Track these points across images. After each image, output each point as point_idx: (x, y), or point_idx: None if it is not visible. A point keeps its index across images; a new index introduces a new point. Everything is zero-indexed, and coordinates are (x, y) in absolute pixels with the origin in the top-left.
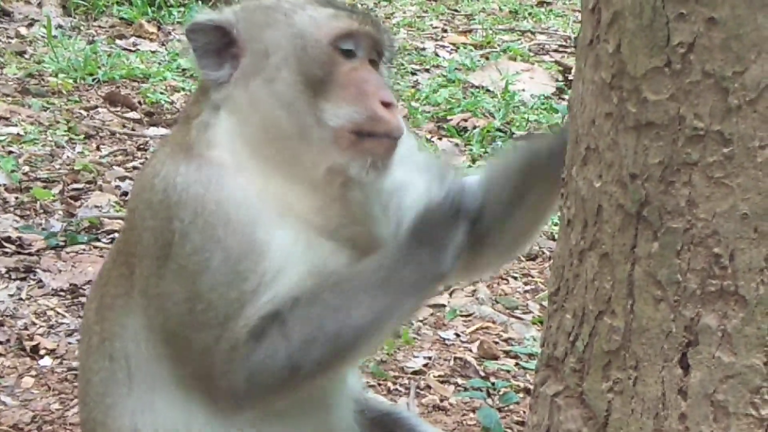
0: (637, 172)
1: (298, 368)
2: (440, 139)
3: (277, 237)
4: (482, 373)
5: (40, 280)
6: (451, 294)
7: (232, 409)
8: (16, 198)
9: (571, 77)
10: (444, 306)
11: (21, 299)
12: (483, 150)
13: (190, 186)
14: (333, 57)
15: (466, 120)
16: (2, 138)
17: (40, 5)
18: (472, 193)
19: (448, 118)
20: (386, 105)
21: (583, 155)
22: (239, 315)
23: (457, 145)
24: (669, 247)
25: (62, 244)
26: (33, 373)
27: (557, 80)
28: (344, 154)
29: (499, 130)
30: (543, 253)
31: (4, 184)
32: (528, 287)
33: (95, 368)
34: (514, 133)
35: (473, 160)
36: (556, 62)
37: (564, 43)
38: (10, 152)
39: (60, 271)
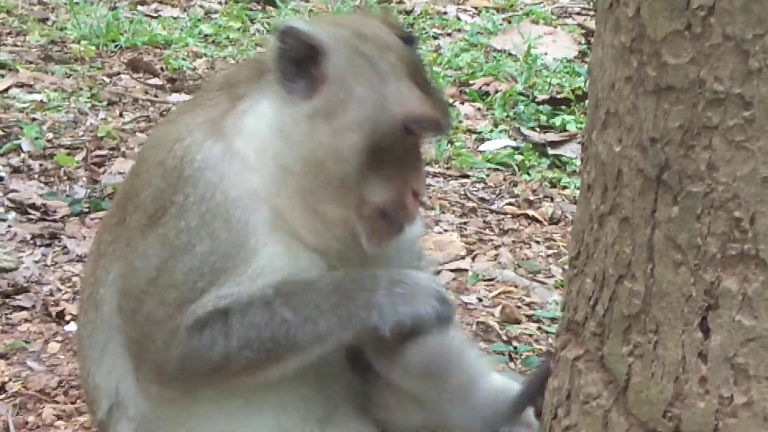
0: (657, 136)
1: (228, 365)
2: (462, 103)
3: (265, 250)
4: (504, 338)
5: (65, 247)
6: (473, 259)
7: (153, 381)
8: (40, 165)
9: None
10: (466, 271)
11: (46, 265)
12: (505, 114)
13: (208, 169)
14: (400, 134)
15: (488, 84)
16: (26, 105)
17: None
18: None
19: (470, 82)
20: (415, 195)
21: (603, 119)
22: (195, 302)
23: (479, 109)
24: (689, 211)
25: (86, 210)
26: (59, 338)
27: (580, 43)
28: (362, 222)
29: (521, 94)
30: (565, 217)
31: (28, 151)
32: (550, 251)
33: (84, 320)
34: (536, 97)
35: (495, 124)
36: (579, 25)
37: (587, 6)
38: (34, 119)
39: (84, 237)
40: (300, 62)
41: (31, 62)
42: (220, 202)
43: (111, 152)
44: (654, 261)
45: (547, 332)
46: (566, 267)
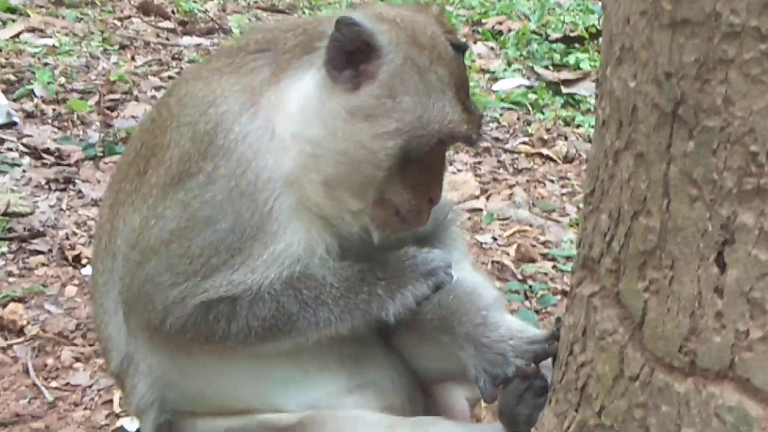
0: (672, 71)
1: (226, 341)
2: (475, 42)
3: (284, 236)
4: (519, 276)
5: (80, 191)
6: (487, 198)
7: (142, 333)
8: (54, 110)
9: None
10: (481, 210)
11: (61, 210)
12: (518, 53)
13: (244, 144)
14: (435, 146)
15: (501, 23)
16: (37, 50)
17: None
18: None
19: (483, 21)
20: (431, 201)
21: (618, 55)
22: (206, 279)
23: (492, 48)
24: (705, 146)
25: (100, 154)
26: (76, 282)
27: None
28: (375, 215)
29: (534, 32)
30: (580, 155)
31: (41, 96)
32: (565, 190)
33: (101, 269)
34: (549, 36)
35: (508, 64)
36: None
37: None
38: (46, 64)
39: (99, 181)
40: (351, 54)
41: (41, 6)
42: (251, 181)
43: (124, 96)
44: (669, 196)
45: (562, 270)
46: (581, 205)
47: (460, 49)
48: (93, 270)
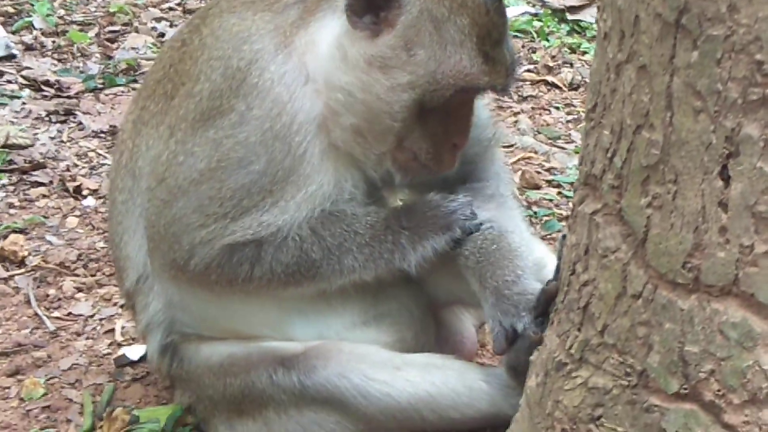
0: None
1: (249, 282)
2: None
3: (316, 177)
4: (525, 203)
5: (80, 123)
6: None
7: (166, 272)
8: (53, 42)
9: None
10: None
11: (62, 141)
12: None
13: (280, 86)
14: (454, 95)
15: None
16: None
17: None
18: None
19: None
20: (455, 147)
21: None
22: (235, 220)
23: None
24: (709, 56)
25: (100, 86)
26: (77, 213)
27: None
28: (396, 160)
29: None
30: (585, 82)
31: (41, 29)
32: (570, 117)
33: (120, 186)
34: None
35: None
36: None
37: None
38: None
39: (99, 113)
40: (371, 0)
41: None
42: (286, 123)
43: (123, 28)
44: (673, 109)
45: (567, 197)
46: None
47: None
48: (111, 185)
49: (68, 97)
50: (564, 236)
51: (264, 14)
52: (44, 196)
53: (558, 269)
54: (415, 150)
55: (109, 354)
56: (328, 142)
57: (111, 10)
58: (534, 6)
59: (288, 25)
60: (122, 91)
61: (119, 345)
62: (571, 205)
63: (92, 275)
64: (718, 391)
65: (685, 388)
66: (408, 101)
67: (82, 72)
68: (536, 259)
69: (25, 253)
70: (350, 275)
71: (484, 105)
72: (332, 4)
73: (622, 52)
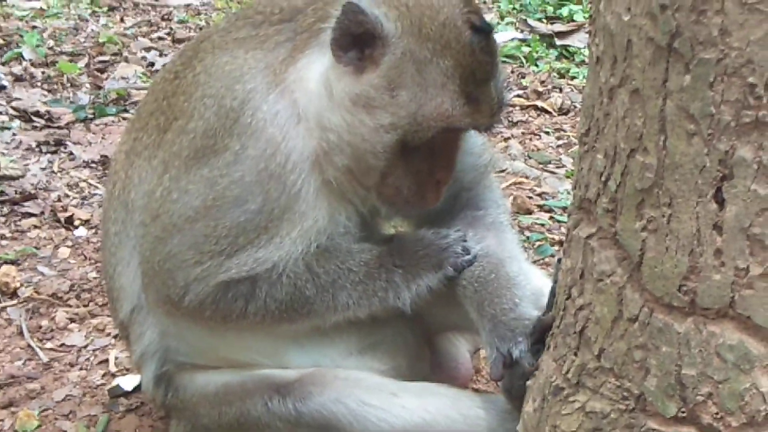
0: (667, 3)
1: (243, 319)
2: None
3: (311, 213)
4: (517, 228)
5: (71, 153)
6: None
7: (160, 307)
8: (43, 72)
9: None
10: None
11: (53, 172)
12: (511, 6)
13: (273, 126)
14: (436, 135)
15: None
16: (25, 13)
17: None
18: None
19: None
20: (438, 184)
21: None
22: (230, 257)
23: (485, 2)
24: (702, 79)
25: (91, 116)
26: (69, 243)
27: None
28: (381, 196)
29: None
30: (575, 107)
31: (30, 59)
32: (560, 141)
33: (113, 217)
34: None
35: (502, 17)
36: None
37: None
38: (34, 27)
39: (90, 143)
40: (358, 36)
41: None
42: (280, 162)
43: (113, 58)
44: (666, 132)
45: (558, 221)
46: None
47: (481, 31)
48: (104, 215)
49: (59, 127)
50: (559, 260)
51: (255, 52)
52: (36, 226)
53: (553, 293)
54: (399, 186)
55: (103, 384)
56: (322, 179)
57: (100, 40)
58: (522, 32)
59: (279, 63)
60: (113, 121)
61: (113, 375)
62: (563, 229)
63: (85, 305)
64: (716, 414)
65: (683, 412)
66: (391, 141)
67: (72, 102)
68: (534, 288)
69: (17, 285)
70: (344, 312)
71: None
72: (320, 41)
73: (615, 77)
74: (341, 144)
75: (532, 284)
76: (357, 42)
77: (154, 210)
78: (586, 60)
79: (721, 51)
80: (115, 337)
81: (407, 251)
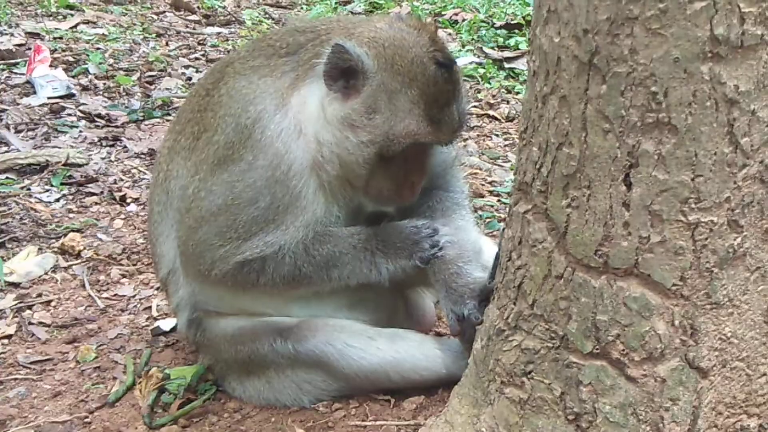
0: (588, 28)
1: (257, 287)
2: (436, 30)
3: (311, 207)
4: (472, 207)
5: (125, 146)
6: None
7: (194, 279)
8: (104, 84)
9: None
10: None
11: (110, 161)
12: (470, 37)
13: (277, 140)
14: (407, 148)
15: (456, 14)
16: (91, 38)
17: None
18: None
19: (443, 13)
20: (413, 183)
21: (545, 16)
22: (246, 241)
23: (449, 34)
24: (615, 88)
25: (141, 118)
26: (122, 216)
27: None
28: (366, 194)
29: (483, 21)
30: (518, 115)
31: (94, 73)
32: (507, 142)
33: (157, 199)
34: (495, 23)
35: (463, 45)
36: None
37: None
38: (98, 48)
39: (140, 139)
40: (345, 70)
41: (94, 4)
42: (284, 171)
43: (159, 73)
44: (587, 130)
45: (504, 203)
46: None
47: (444, 66)
48: (150, 196)
49: (115, 126)
50: (503, 231)
51: (266, 79)
52: (96, 203)
53: (497, 257)
54: (380, 188)
55: (146, 326)
56: (319, 182)
57: (150, 59)
58: (479, 57)
59: (285, 88)
60: (158, 122)
61: (155, 319)
62: (507, 208)
63: (134, 265)
64: (623, 350)
65: (597, 349)
66: (370, 154)
67: (126, 107)
68: (476, 246)
69: (81, 248)
70: (336, 284)
71: None
72: (317, 72)
73: (547, 86)
74: (332, 156)
75: (476, 245)
76: (343, 74)
77: (188, 204)
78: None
79: (630, 66)
80: (156, 289)
81: (387, 239)
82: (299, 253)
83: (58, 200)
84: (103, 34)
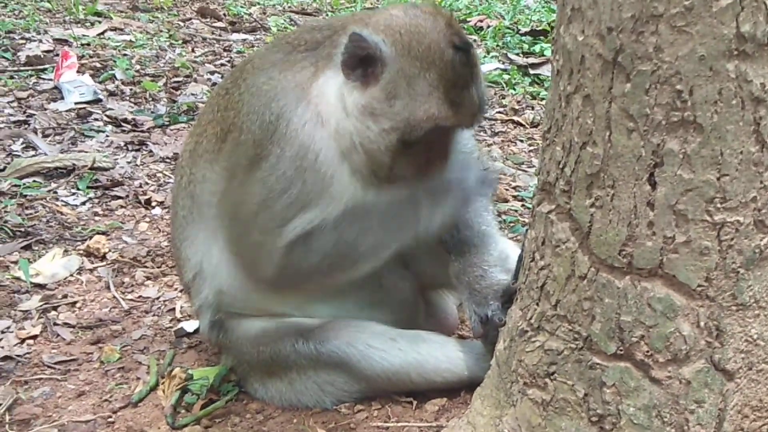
0: (613, 26)
1: (312, 273)
2: None
3: (343, 189)
4: (496, 212)
5: (151, 151)
6: None
7: (258, 287)
8: (131, 89)
9: None
10: None
11: (136, 165)
12: (495, 44)
13: (301, 131)
14: (429, 133)
15: (482, 21)
16: (118, 44)
17: None
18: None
19: (468, 19)
20: (438, 165)
21: (569, 15)
22: (284, 226)
23: (474, 40)
24: (639, 87)
25: (167, 123)
26: (147, 219)
27: None
28: (392, 177)
29: (508, 28)
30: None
31: (121, 79)
32: (531, 148)
33: (181, 204)
34: (520, 30)
35: (488, 52)
36: None
37: None
38: (125, 55)
39: (165, 143)
40: (363, 58)
41: (121, 11)
42: (312, 159)
43: (185, 79)
44: (611, 129)
45: (528, 208)
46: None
47: (461, 48)
48: (173, 201)
49: (141, 131)
50: (526, 231)
51: (286, 73)
52: (122, 206)
53: (520, 258)
54: (405, 173)
55: (170, 327)
56: (350, 167)
57: (176, 65)
58: (503, 63)
59: (305, 81)
60: (184, 127)
61: (178, 320)
62: (531, 209)
63: (158, 267)
64: (647, 352)
65: (621, 350)
66: (392, 141)
67: (152, 112)
68: (501, 251)
69: (106, 250)
70: (381, 248)
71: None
72: (335, 63)
73: (571, 85)
74: (356, 146)
75: (499, 248)
76: (362, 63)
77: (232, 213)
78: None
79: (655, 64)
80: (180, 291)
81: (436, 188)
82: (342, 226)
83: (84, 203)
84: (130, 41)
